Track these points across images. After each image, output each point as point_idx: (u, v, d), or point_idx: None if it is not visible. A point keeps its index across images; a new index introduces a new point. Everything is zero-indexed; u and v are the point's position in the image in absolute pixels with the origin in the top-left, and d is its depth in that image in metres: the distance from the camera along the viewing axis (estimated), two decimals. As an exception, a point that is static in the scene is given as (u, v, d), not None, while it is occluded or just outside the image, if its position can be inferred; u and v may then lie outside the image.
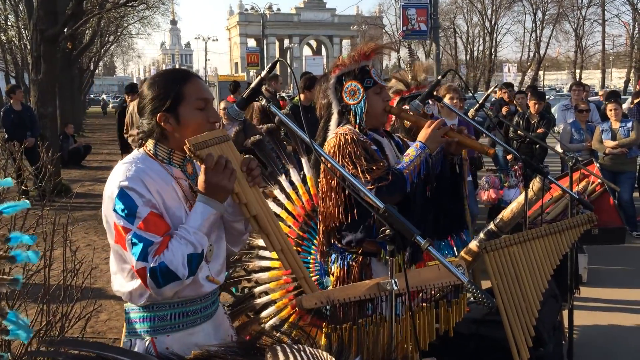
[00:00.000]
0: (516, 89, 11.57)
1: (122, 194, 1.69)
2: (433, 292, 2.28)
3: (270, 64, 1.87)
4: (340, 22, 70.87)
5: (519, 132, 7.73)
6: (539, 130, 7.66)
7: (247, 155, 1.87)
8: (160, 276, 1.64)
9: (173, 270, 1.65)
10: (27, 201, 1.61)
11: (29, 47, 13.00)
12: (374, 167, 2.38)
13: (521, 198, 3.14)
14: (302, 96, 6.48)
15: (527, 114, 7.92)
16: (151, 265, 1.64)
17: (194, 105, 1.81)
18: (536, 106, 7.72)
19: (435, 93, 3.11)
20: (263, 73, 1.87)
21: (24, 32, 19.85)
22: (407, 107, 3.01)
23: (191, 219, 1.72)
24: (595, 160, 5.90)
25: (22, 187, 5.84)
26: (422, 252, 2.12)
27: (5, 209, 1.55)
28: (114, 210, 1.69)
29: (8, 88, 11.19)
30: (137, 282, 1.72)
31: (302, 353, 1.15)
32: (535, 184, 3.12)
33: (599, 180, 4.58)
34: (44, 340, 1.33)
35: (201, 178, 1.73)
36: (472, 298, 2.12)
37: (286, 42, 71.56)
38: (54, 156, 3.39)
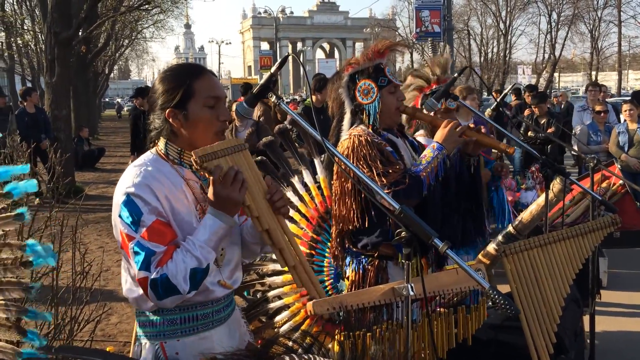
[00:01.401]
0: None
1: (128, 201, 1.65)
2: (451, 296, 2.20)
3: (280, 60, 1.81)
4: (353, 24, 70.95)
5: (529, 133, 7.69)
6: (550, 130, 7.66)
7: (267, 177, 1.80)
8: (160, 288, 1.60)
9: (174, 284, 1.60)
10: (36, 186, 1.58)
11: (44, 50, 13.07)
12: (390, 170, 2.30)
13: (541, 200, 3.04)
14: (314, 97, 6.40)
15: (535, 115, 7.92)
16: (152, 276, 1.60)
17: (204, 103, 1.75)
18: (536, 109, 8.14)
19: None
20: (273, 69, 1.81)
21: (40, 36, 20.01)
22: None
23: (199, 232, 1.67)
24: (616, 161, 5.77)
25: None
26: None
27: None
28: (120, 216, 1.66)
29: (22, 91, 11.27)
30: None
31: (313, 364, 1.08)
32: (556, 185, 3.02)
33: (620, 182, 4.46)
34: (43, 348, 1.28)
35: (210, 190, 1.68)
36: (490, 303, 2.04)
37: (299, 45, 71.75)
38: (63, 157, 3.35)
